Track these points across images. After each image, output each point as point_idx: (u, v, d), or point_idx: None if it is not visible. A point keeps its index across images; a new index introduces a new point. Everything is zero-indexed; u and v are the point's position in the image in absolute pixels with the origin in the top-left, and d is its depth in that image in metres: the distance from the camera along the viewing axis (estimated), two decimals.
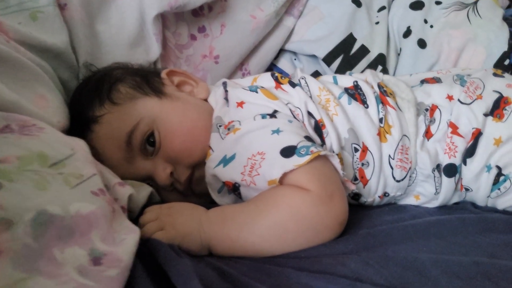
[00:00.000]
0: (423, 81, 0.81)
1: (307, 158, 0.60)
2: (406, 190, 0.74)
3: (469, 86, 0.74)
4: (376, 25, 1.11)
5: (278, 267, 0.52)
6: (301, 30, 1.13)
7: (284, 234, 0.58)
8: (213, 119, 0.72)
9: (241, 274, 0.48)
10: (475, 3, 1.08)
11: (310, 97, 0.72)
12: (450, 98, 0.75)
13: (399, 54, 1.09)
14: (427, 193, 0.74)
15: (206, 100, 0.79)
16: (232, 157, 0.65)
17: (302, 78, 0.75)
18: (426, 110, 0.74)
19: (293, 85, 0.73)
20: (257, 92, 0.71)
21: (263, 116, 0.67)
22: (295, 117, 0.69)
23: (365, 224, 0.65)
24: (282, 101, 0.70)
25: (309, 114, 0.70)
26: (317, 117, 0.70)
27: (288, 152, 0.61)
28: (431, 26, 1.07)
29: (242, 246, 0.58)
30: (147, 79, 0.76)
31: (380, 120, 0.72)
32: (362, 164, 0.71)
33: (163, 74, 0.79)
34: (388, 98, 0.75)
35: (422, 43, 1.06)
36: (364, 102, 0.73)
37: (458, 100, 0.73)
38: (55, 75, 0.78)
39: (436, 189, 0.73)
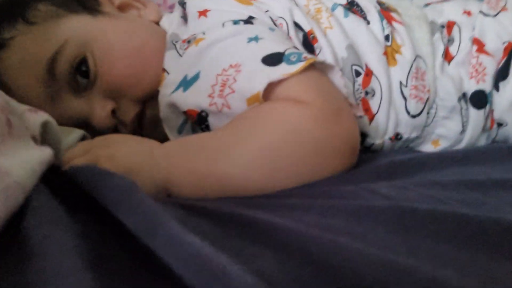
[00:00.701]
0: (427, 5, 0.65)
1: (300, 65, 0.42)
2: (423, 131, 0.57)
3: None
4: None
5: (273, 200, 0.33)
6: None
7: (277, 162, 0.39)
8: (167, 37, 0.53)
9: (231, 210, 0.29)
10: None
11: (296, 5, 0.54)
12: (468, 13, 0.59)
13: None
14: (450, 133, 0.57)
15: (157, 24, 0.60)
16: (196, 77, 0.46)
17: None
18: (442, 27, 0.58)
19: None
20: None
21: (235, 22, 0.49)
22: (277, 27, 0.51)
23: (380, 160, 0.48)
24: (259, 7, 0.52)
25: (296, 25, 0.53)
26: (306, 29, 0.52)
27: (273, 59, 0.43)
28: None
29: (218, 182, 0.39)
30: None
31: (386, 38, 0.56)
32: (366, 93, 0.54)
33: None
34: (392, 14, 0.58)
35: None
36: (364, 18, 0.57)
37: (481, 12, 0.57)
38: None
39: (463, 125, 0.56)
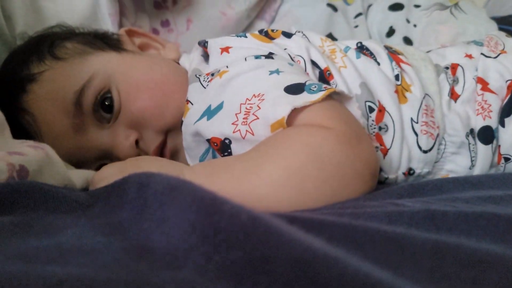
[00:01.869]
0: (429, 51, 0.69)
1: (321, 94, 0.45)
2: (433, 167, 0.59)
3: (488, 41, 0.64)
4: (355, 28, 1.03)
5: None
6: None
7: (303, 182, 0.41)
8: (189, 72, 0.56)
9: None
10: (456, 4, 1.03)
11: (312, 45, 0.58)
12: (469, 56, 0.63)
13: None
14: (459, 168, 0.59)
15: (177, 63, 0.63)
16: (220, 106, 0.48)
17: (299, 32, 0.61)
18: (447, 68, 0.62)
19: (288, 35, 0.59)
20: (246, 36, 0.56)
21: (257, 57, 0.52)
22: (295, 63, 0.54)
23: (398, 185, 0.49)
24: (278, 45, 0.55)
25: (313, 63, 0.56)
26: (323, 66, 0.55)
27: (295, 89, 0.46)
28: (415, 25, 1.00)
29: (245, 201, 0.39)
30: (102, 37, 0.60)
31: (396, 78, 0.59)
32: (380, 128, 0.56)
33: (122, 31, 0.63)
34: (400, 56, 0.62)
35: (408, 41, 0.97)
36: (374, 59, 0.60)
37: (482, 54, 0.61)
38: None
39: (471, 160, 0.58)
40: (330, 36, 0.99)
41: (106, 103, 0.54)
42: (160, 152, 0.56)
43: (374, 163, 0.45)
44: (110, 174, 0.42)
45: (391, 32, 0.99)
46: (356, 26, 1.03)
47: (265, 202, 0.40)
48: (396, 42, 0.97)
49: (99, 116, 0.54)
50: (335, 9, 1.04)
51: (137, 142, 0.55)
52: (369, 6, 1.06)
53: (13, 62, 0.57)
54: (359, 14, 1.05)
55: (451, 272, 0.23)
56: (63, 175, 0.40)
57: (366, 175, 0.44)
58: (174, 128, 0.55)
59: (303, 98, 0.45)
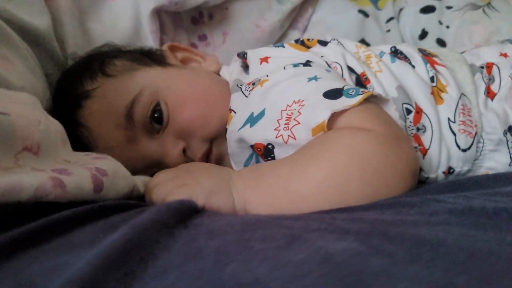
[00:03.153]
0: (463, 52, 0.70)
1: (359, 97, 0.47)
2: (473, 165, 0.60)
3: None
4: (387, 33, 1.04)
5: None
6: None
7: (346, 183, 0.42)
8: (230, 83, 0.59)
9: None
10: (488, 3, 1.03)
11: (348, 52, 0.60)
12: (504, 55, 0.64)
13: None
14: (499, 166, 0.59)
15: (217, 74, 0.66)
16: (262, 113, 0.51)
17: (334, 39, 0.63)
18: (482, 68, 0.63)
19: (323, 43, 0.61)
20: (283, 46, 0.58)
21: (295, 65, 0.54)
22: (332, 69, 0.56)
23: (438, 182, 0.50)
24: (315, 53, 0.58)
25: (349, 68, 0.58)
26: (359, 71, 0.57)
27: (334, 94, 0.48)
28: (447, 27, 1.00)
29: (291, 201, 0.42)
30: (147, 53, 0.64)
31: (431, 79, 0.60)
32: (418, 129, 0.58)
33: (165, 47, 0.67)
34: (434, 58, 0.63)
35: (441, 42, 0.98)
36: (409, 63, 0.62)
37: None
38: (36, 61, 0.65)
39: (511, 157, 0.58)
40: (363, 42, 1.00)
41: (156, 115, 0.58)
42: (206, 159, 0.59)
43: (414, 162, 0.46)
44: (163, 179, 0.45)
45: (424, 35, 1.00)
46: (388, 31, 1.04)
47: (310, 201, 0.42)
48: (429, 44, 0.98)
49: (149, 127, 0.58)
50: (366, 15, 1.05)
51: (184, 150, 0.58)
52: (401, 10, 1.07)
53: (67, 80, 0.62)
54: (391, 19, 1.06)
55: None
56: (130, 179, 0.43)
57: (407, 174, 0.45)
58: (218, 136, 0.58)
59: (342, 102, 0.47)
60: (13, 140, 0.34)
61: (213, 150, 0.59)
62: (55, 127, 0.46)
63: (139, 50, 0.67)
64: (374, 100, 0.51)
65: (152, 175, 0.57)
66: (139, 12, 0.82)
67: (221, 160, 0.58)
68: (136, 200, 0.42)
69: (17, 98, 0.40)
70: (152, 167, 0.58)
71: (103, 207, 0.33)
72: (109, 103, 0.57)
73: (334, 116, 0.47)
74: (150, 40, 0.82)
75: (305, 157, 0.44)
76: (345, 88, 0.49)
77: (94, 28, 0.79)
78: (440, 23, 1.00)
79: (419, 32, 1.01)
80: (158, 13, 0.84)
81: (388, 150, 0.44)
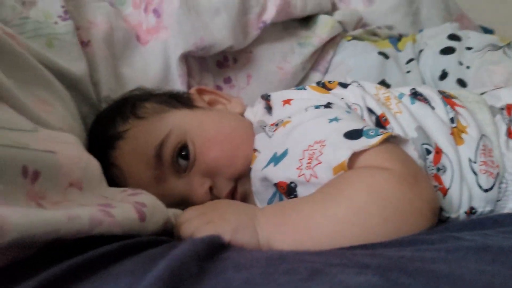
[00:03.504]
0: (483, 93, 0.71)
1: (379, 138, 0.49)
2: (495, 205, 0.60)
3: None
4: (408, 74, 1.06)
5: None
6: None
7: (366, 220, 0.44)
8: (254, 124, 0.62)
9: None
10: (508, 44, 1.04)
11: (367, 94, 0.62)
12: None
13: None
14: None
15: (242, 115, 0.69)
16: (284, 153, 0.53)
17: (354, 81, 0.66)
18: (502, 109, 0.64)
19: (344, 85, 0.64)
20: (305, 89, 0.61)
21: (317, 107, 0.57)
22: (352, 110, 0.59)
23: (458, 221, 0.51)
24: (335, 95, 0.60)
25: (369, 110, 0.60)
26: (378, 112, 0.59)
27: (354, 134, 0.50)
28: (468, 67, 1.01)
29: (313, 238, 0.43)
30: (176, 96, 0.68)
31: (451, 120, 0.62)
32: (438, 169, 0.59)
33: (192, 90, 0.71)
34: (454, 100, 0.65)
35: (462, 83, 0.99)
36: (428, 104, 0.63)
37: None
38: (73, 103, 0.70)
39: None
40: (383, 83, 1.02)
41: (183, 153, 0.61)
42: (232, 197, 0.61)
43: (433, 200, 0.47)
44: (191, 216, 0.47)
45: (444, 75, 1.01)
46: (409, 72, 1.06)
47: (331, 238, 0.43)
48: (449, 84, 0.99)
49: (177, 166, 0.61)
50: (386, 56, 1.08)
51: (210, 188, 0.60)
52: (420, 51, 1.10)
53: (101, 123, 0.66)
54: (411, 60, 1.08)
55: None
56: (165, 211, 0.46)
57: (426, 212, 0.46)
58: (243, 175, 0.60)
59: (362, 143, 0.49)
60: (60, 177, 0.37)
61: (238, 188, 0.61)
62: (94, 164, 0.49)
63: (168, 94, 0.71)
64: (393, 140, 0.52)
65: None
66: (168, 57, 0.87)
67: (246, 198, 0.60)
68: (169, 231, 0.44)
69: (61, 138, 0.43)
70: (180, 204, 0.61)
71: (139, 242, 0.35)
72: (140, 144, 0.61)
73: (355, 156, 0.48)
74: (178, 83, 0.86)
75: (326, 196, 0.46)
76: (365, 129, 0.51)
77: (126, 72, 0.84)
78: (461, 63, 1.02)
79: (439, 73, 1.02)
80: (185, 57, 0.88)
81: (407, 188, 0.46)
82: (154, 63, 0.87)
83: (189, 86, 0.91)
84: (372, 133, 0.50)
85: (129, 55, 0.86)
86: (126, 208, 0.38)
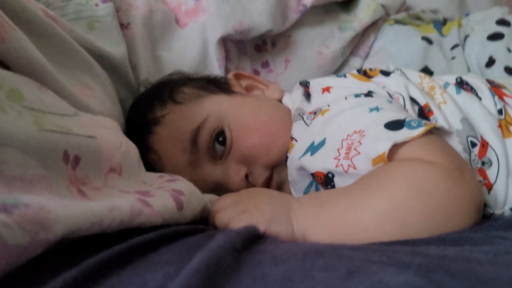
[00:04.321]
0: None
1: (421, 129, 0.47)
2: None
3: None
4: (452, 60, 1.02)
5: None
6: None
7: (407, 216, 0.42)
8: (292, 111, 0.61)
9: None
10: None
11: (411, 83, 0.60)
12: None
13: None
14: None
15: (280, 101, 0.68)
16: (322, 142, 0.52)
17: (397, 69, 0.64)
18: None
19: (386, 73, 0.62)
20: (345, 76, 0.60)
21: (357, 95, 0.55)
22: (394, 100, 0.57)
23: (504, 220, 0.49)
24: (377, 83, 0.58)
25: (412, 99, 0.58)
26: (422, 102, 0.57)
27: (395, 125, 0.48)
28: None
29: (351, 232, 0.42)
30: (214, 81, 0.67)
31: (499, 112, 0.59)
32: (483, 163, 0.56)
33: (230, 75, 0.70)
34: (503, 90, 0.62)
35: (510, 70, 0.94)
36: (475, 94, 0.61)
37: None
38: (112, 87, 0.70)
39: None
40: (426, 69, 0.99)
41: (220, 139, 0.60)
42: (267, 185, 0.61)
43: (478, 197, 0.45)
44: (226, 204, 0.47)
45: (491, 63, 0.97)
46: (453, 58, 1.02)
47: (369, 233, 0.42)
48: (497, 72, 0.95)
49: (213, 152, 0.61)
50: (430, 42, 1.04)
51: (246, 176, 0.60)
52: (466, 36, 1.05)
53: (139, 107, 0.66)
54: (456, 45, 1.04)
55: None
56: (202, 198, 0.46)
57: (470, 209, 0.44)
58: (279, 163, 0.60)
59: (403, 134, 0.47)
60: (101, 162, 0.37)
61: (274, 177, 0.61)
62: (133, 149, 0.50)
63: (206, 78, 0.71)
64: (437, 132, 0.50)
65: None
66: (206, 41, 0.86)
67: (282, 187, 0.60)
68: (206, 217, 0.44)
69: (102, 122, 0.44)
70: (216, 190, 0.61)
71: (177, 231, 0.35)
72: (177, 129, 0.61)
73: (395, 148, 0.47)
74: (216, 67, 0.86)
75: (365, 188, 0.45)
76: (407, 120, 0.49)
77: (164, 56, 0.84)
78: (509, 50, 0.97)
79: (486, 60, 0.98)
80: (224, 41, 0.88)
81: (452, 183, 0.44)
82: (192, 46, 0.86)
83: (227, 70, 0.91)
84: (414, 124, 0.48)
85: (168, 38, 0.86)
86: (164, 196, 0.38)
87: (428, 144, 0.47)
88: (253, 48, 0.96)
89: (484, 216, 0.57)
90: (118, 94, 0.73)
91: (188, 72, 0.76)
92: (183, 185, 0.45)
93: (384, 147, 0.47)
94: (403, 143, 0.47)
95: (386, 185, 0.44)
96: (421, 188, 0.43)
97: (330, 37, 0.99)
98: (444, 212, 0.43)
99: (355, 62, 1.05)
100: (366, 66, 1.04)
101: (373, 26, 1.05)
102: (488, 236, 0.37)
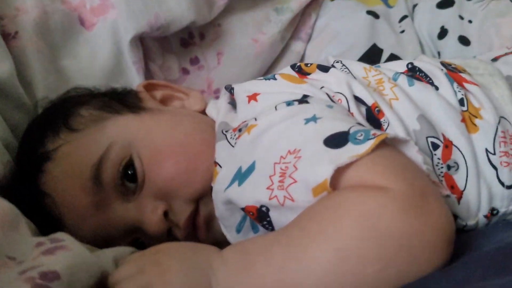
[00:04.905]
0: (495, 59, 0.59)
1: (370, 144, 0.37)
2: None
3: None
4: (402, 34, 0.93)
5: None
6: (314, 54, 0.95)
7: (360, 268, 0.33)
8: (216, 127, 0.50)
9: None
10: None
11: (354, 78, 0.50)
12: None
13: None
14: None
15: (203, 113, 0.57)
16: (251, 168, 0.42)
17: (337, 62, 0.53)
18: None
19: (324, 69, 0.51)
20: (275, 78, 0.49)
21: (289, 103, 0.45)
22: (335, 103, 0.46)
23: (481, 243, 0.40)
24: (313, 85, 0.48)
25: (357, 99, 0.48)
26: (369, 102, 0.47)
27: (337, 140, 0.38)
28: (470, 21, 0.89)
29: None
30: (119, 97, 0.55)
31: (461, 102, 0.49)
32: (448, 167, 0.47)
33: (139, 87, 0.58)
34: (462, 74, 0.52)
35: (464, 40, 0.86)
36: (431, 84, 0.51)
37: None
38: None
39: None
40: (375, 47, 0.90)
41: (129, 172, 0.49)
42: (193, 221, 0.50)
43: (448, 226, 0.36)
44: (125, 275, 0.36)
45: (443, 33, 0.89)
46: (403, 31, 0.93)
47: None
48: (450, 43, 0.87)
49: (123, 189, 0.49)
50: (376, 16, 0.95)
51: (166, 213, 0.49)
52: (415, 6, 0.96)
53: (29, 138, 0.54)
54: (404, 17, 0.96)
55: None
56: (95, 267, 0.35)
57: (439, 244, 0.35)
58: (206, 193, 0.49)
59: (348, 152, 0.37)
60: None
61: (200, 210, 0.50)
62: (3, 209, 0.38)
63: (110, 93, 0.58)
64: (390, 142, 0.40)
65: (132, 241, 0.49)
66: (119, 42, 0.74)
67: (212, 222, 0.49)
68: None
69: None
70: (133, 233, 0.50)
71: None
72: (74, 164, 0.49)
73: (340, 170, 0.37)
74: (133, 72, 0.74)
75: (304, 234, 0.35)
76: (351, 132, 0.39)
77: (69, 65, 0.71)
78: (461, 18, 0.89)
79: (437, 31, 0.90)
80: (141, 40, 0.75)
81: (412, 215, 0.35)
82: (103, 50, 0.73)
83: (149, 73, 0.79)
84: (361, 137, 0.38)
85: (72, 43, 0.73)
86: None
87: (379, 164, 0.37)
88: (179, 43, 0.85)
89: (456, 229, 0.48)
90: (10, 120, 0.60)
91: (93, 85, 0.62)
92: (63, 259, 0.33)
93: (325, 173, 0.37)
94: (349, 164, 0.37)
95: (330, 230, 0.34)
96: (374, 228, 0.34)
97: (265, 22, 0.89)
98: (405, 255, 0.34)
99: (297, 47, 0.96)
100: (310, 49, 0.95)
101: (313, 4, 0.95)
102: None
